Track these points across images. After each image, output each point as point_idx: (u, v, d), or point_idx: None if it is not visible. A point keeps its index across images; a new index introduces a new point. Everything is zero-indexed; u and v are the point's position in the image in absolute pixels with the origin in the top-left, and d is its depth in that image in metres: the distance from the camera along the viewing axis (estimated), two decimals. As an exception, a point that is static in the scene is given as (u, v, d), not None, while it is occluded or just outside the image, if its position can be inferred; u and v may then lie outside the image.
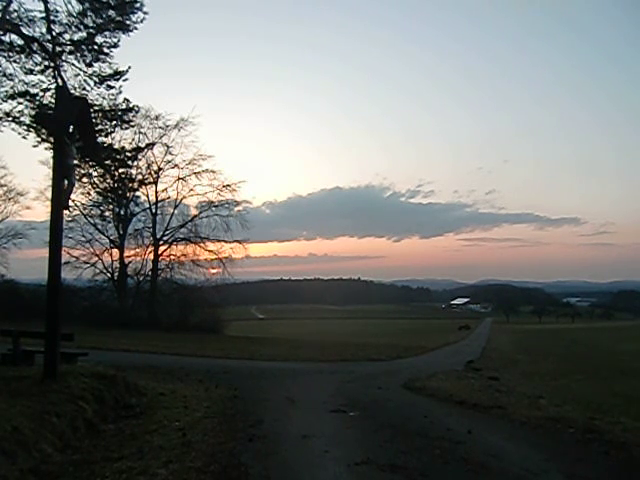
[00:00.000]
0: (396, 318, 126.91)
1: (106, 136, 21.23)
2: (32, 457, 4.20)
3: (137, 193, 37.87)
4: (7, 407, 4.85)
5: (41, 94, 15.45)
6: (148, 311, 37.00)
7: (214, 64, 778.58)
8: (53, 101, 11.32)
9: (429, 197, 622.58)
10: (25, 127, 16.14)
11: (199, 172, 37.65)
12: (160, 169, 37.90)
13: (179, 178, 38.15)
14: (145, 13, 15.15)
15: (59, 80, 14.59)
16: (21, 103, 15.59)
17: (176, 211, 38.69)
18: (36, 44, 14.25)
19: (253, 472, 4.31)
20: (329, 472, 4.48)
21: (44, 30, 14.05)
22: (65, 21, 14.23)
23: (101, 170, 31.79)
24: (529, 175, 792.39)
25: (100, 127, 18.69)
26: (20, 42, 14.24)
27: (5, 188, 33.85)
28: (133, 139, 33.95)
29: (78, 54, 15.08)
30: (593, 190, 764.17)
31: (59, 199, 6.63)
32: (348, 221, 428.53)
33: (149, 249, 37.92)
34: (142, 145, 34.79)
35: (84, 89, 15.72)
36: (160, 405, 7.24)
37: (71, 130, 6.89)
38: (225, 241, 38.23)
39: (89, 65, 15.40)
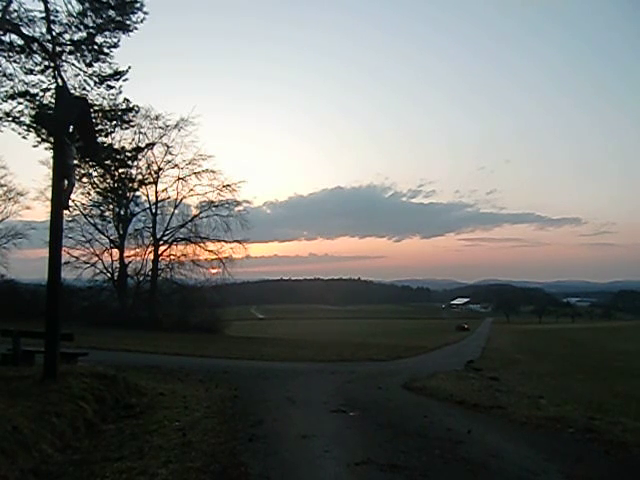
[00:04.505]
0: (396, 318, 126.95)
1: (106, 136, 21.23)
2: (32, 457, 4.20)
3: (137, 193, 37.97)
4: (7, 407, 4.85)
5: (41, 94, 15.45)
6: (148, 311, 37.01)
7: (214, 64, 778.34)
8: (53, 101, 11.32)
9: (430, 197, 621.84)
10: (25, 127, 16.14)
11: (199, 172, 37.75)
12: (160, 169, 37.97)
13: (179, 178, 38.23)
14: (145, 13, 15.15)
15: (59, 80, 14.58)
16: (21, 103, 15.59)
17: (176, 211, 38.79)
18: (36, 44, 14.24)
19: (253, 472, 4.31)
20: (329, 472, 4.48)
21: (44, 30, 14.05)
22: (65, 21, 14.23)
23: (101, 170, 31.80)
24: (531, 175, 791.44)
25: (100, 127, 18.69)
26: (20, 42, 14.24)
27: (5, 188, 33.95)
28: (133, 139, 34.03)
29: (78, 54, 15.07)
30: (594, 190, 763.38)
31: (59, 199, 6.64)
32: (349, 221, 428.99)
33: (149, 249, 37.98)
34: (142, 145, 34.85)
35: (84, 89, 15.72)
36: (160, 405, 7.23)
37: (71, 130, 6.89)
38: (225, 241, 38.32)
39: (89, 65, 15.40)
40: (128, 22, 15.08)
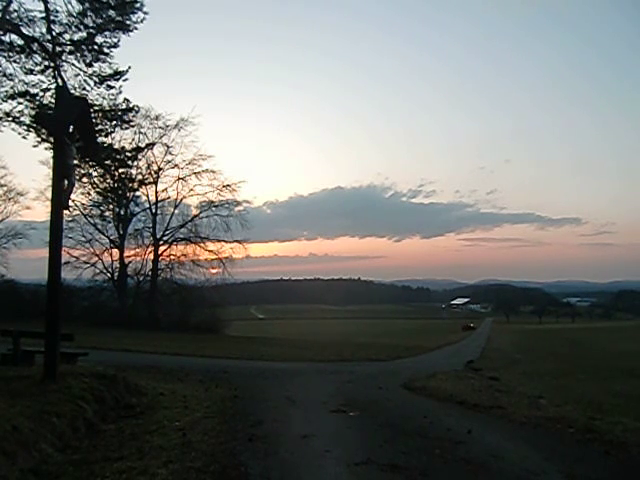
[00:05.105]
0: (396, 318, 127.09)
1: (106, 136, 21.23)
2: (32, 457, 4.20)
3: (137, 193, 38.01)
4: (7, 407, 4.85)
5: (41, 94, 15.46)
6: (148, 311, 37.02)
7: (214, 64, 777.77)
8: (53, 101, 11.32)
9: (430, 197, 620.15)
10: (25, 127, 16.15)
11: (199, 172, 37.79)
12: (160, 169, 38.00)
13: (179, 178, 38.26)
14: (145, 13, 15.18)
15: (59, 80, 14.59)
16: (21, 103, 15.60)
17: (176, 211, 38.82)
18: (36, 44, 14.25)
19: (253, 472, 4.31)
20: (329, 472, 4.48)
21: (44, 30, 14.07)
22: (65, 21, 14.25)
23: (101, 170, 31.80)
24: (531, 175, 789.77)
25: (100, 127, 18.68)
26: (20, 42, 14.25)
27: (5, 188, 33.95)
28: (133, 139, 34.06)
29: (78, 54, 15.08)
30: (594, 190, 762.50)
31: (59, 199, 6.63)
32: (349, 221, 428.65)
33: (149, 249, 38.01)
34: (142, 145, 34.88)
35: (84, 89, 15.73)
36: (160, 405, 7.23)
37: (71, 130, 6.89)
38: (225, 241, 38.35)
39: (89, 65, 15.40)
40: (128, 22, 15.09)
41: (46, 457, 4.34)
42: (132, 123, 22.55)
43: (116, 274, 37.16)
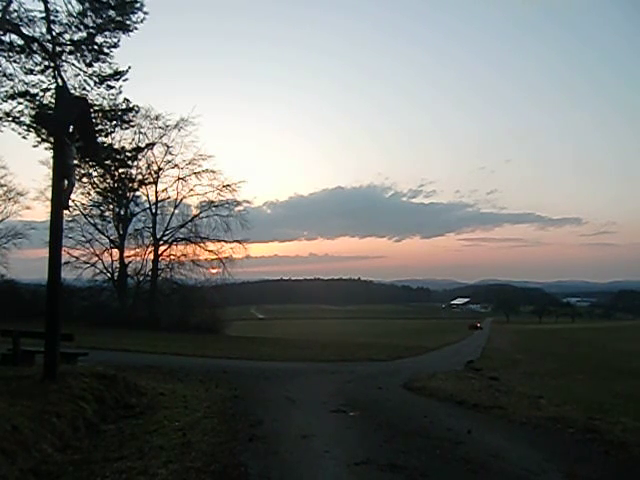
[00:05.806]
0: (396, 318, 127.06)
1: (106, 136, 21.25)
2: (32, 457, 4.20)
3: (137, 193, 37.93)
4: (7, 407, 4.85)
5: (41, 94, 15.45)
6: (148, 311, 36.99)
7: (214, 64, 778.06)
8: (53, 101, 11.31)
9: (431, 197, 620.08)
10: (25, 127, 16.14)
11: (199, 172, 37.70)
12: (160, 169, 37.94)
13: (179, 178, 38.20)
14: (145, 13, 15.15)
15: (59, 80, 14.58)
16: (21, 103, 15.59)
17: (176, 211, 38.75)
18: (36, 44, 14.24)
19: (253, 472, 4.31)
20: (329, 472, 4.49)
21: (44, 30, 14.05)
22: (65, 21, 14.23)
23: (101, 170, 31.80)
24: (531, 175, 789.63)
25: (100, 127, 18.68)
26: (20, 42, 14.24)
27: (5, 188, 33.91)
28: (133, 139, 33.98)
29: (78, 54, 15.07)
30: (594, 190, 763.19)
31: (59, 199, 6.64)
32: (349, 221, 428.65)
33: (149, 249, 37.94)
34: (142, 145, 34.80)
35: (84, 89, 15.71)
36: (160, 405, 7.24)
37: (71, 130, 6.89)
38: (225, 241, 38.28)
39: (89, 65, 15.39)
40: (128, 22, 15.07)
41: (46, 457, 4.34)
42: (132, 123, 22.59)
43: (116, 274, 37.13)
